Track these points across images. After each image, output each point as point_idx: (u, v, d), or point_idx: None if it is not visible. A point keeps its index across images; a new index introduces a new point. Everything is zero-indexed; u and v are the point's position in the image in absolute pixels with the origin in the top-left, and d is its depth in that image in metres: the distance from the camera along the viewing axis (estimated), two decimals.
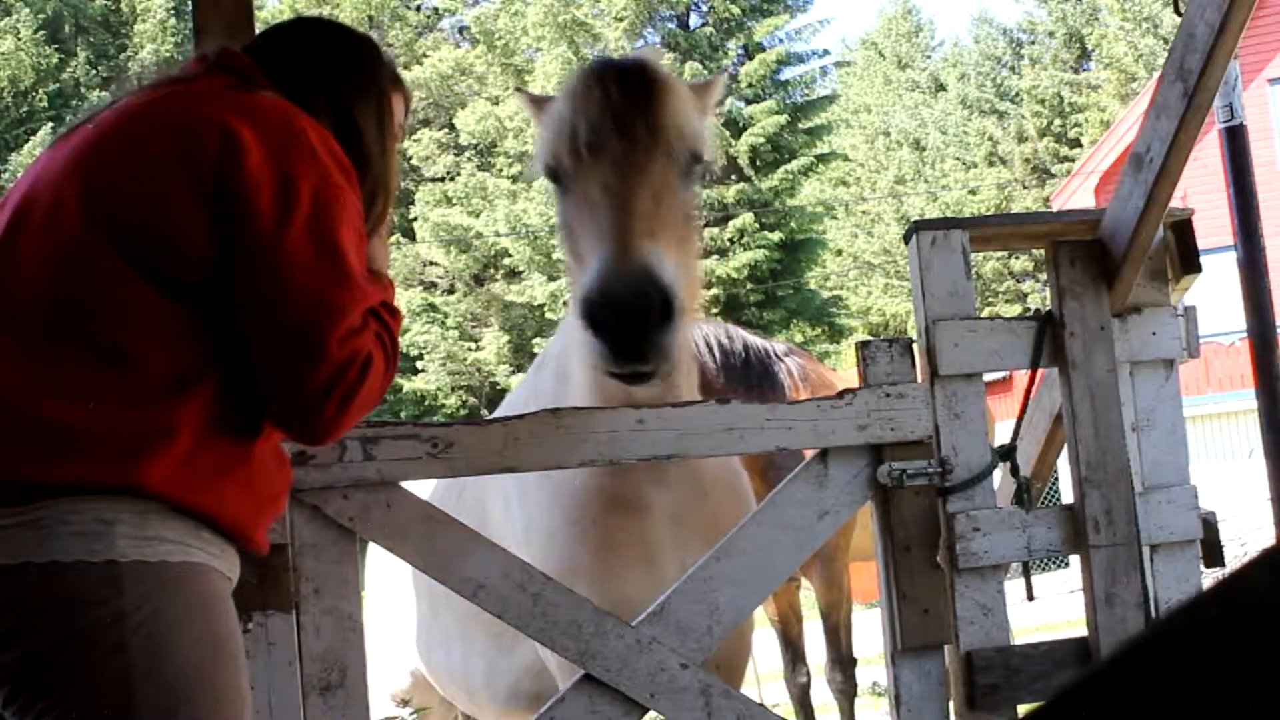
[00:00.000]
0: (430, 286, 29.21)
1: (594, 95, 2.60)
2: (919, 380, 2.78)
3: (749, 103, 28.71)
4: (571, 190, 2.61)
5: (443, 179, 29.57)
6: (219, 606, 1.86)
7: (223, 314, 1.86)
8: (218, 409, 1.86)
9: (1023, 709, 2.72)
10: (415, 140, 30.82)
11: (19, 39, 29.31)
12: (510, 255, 26.99)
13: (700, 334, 5.87)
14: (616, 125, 2.54)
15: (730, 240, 27.58)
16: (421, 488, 2.81)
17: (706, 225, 27.70)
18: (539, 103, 2.96)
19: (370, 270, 2.07)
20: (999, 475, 2.89)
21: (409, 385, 27.30)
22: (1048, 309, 2.86)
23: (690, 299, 2.59)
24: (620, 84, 2.60)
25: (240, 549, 1.97)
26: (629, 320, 2.27)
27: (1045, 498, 3.94)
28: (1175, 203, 2.84)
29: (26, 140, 27.67)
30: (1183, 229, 2.94)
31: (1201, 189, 14.85)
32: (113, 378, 1.78)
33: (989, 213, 31.63)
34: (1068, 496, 2.94)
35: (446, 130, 30.53)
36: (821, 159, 30.43)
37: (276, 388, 1.85)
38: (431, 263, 29.18)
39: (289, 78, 2.03)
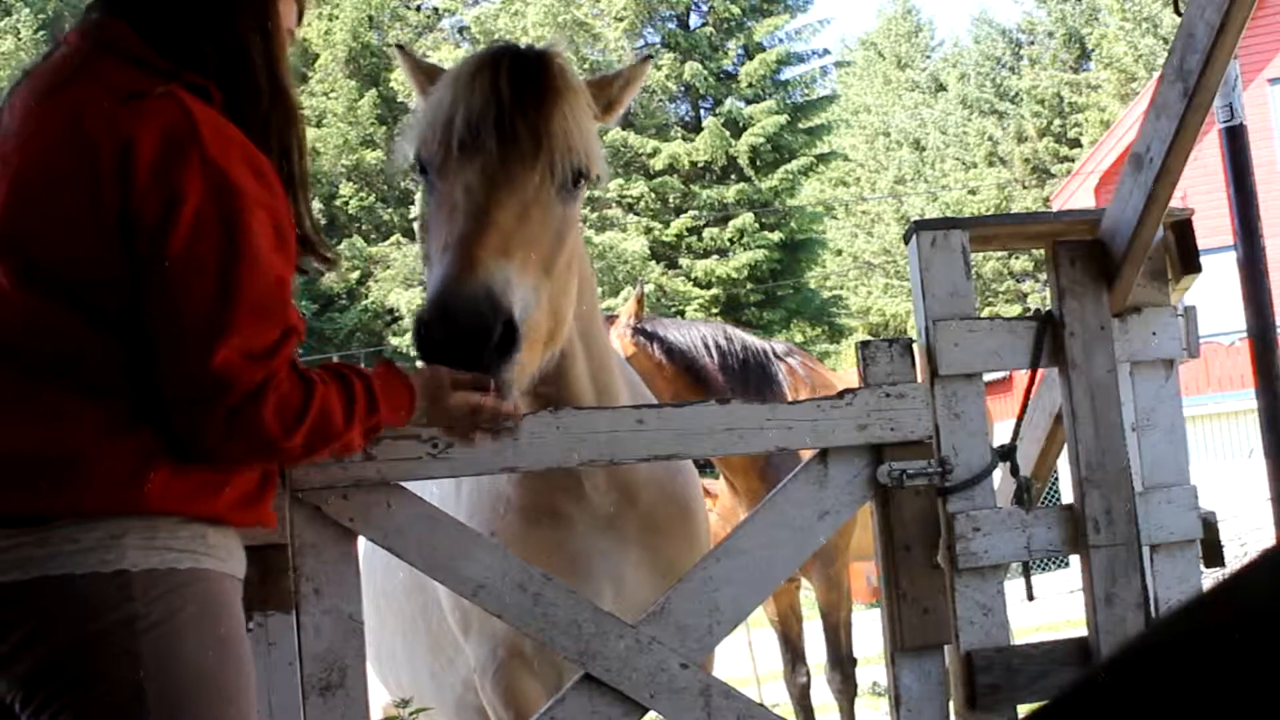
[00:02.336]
0: None
1: (479, 86, 2.35)
2: (919, 380, 2.78)
3: (749, 103, 28.72)
4: (436, 188, 2.38)
5: None
6: (226, 610, 1.91)
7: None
8: None
9: (1023, 709, 2.72)
10: None
11: (19, 39, 29.31)
12: None
13: (699, 335, 5.88)
14: (496, 124, 2.31)
15: (730, 240, 27.58)
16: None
17: (706, 225, 27.73)
18: (425, 73, 2.64)
19: (312, 246, 2.01)
20: (999, 475, 2.89)
21: None
22: (1048, 309, 2.86)
23: (549, 326, 2.38)
24: (511, 77, 2.36)
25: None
26: (462, 349, 2.08)
27: (1045, 498, 3.95)
28: (1175, 203, 2.83)
29: None
30: (1183, 229, 2.93)
31: (1201, 189, 14.84)
32: (85, 404, 1.81)
33: (989, 213, 31.63)
34: (1068, 496, 2.94)
35: None
36: (821, 159, 30.46)
37: (168, 404, 1.81)
38: None
39: (164, 35, 1.89)
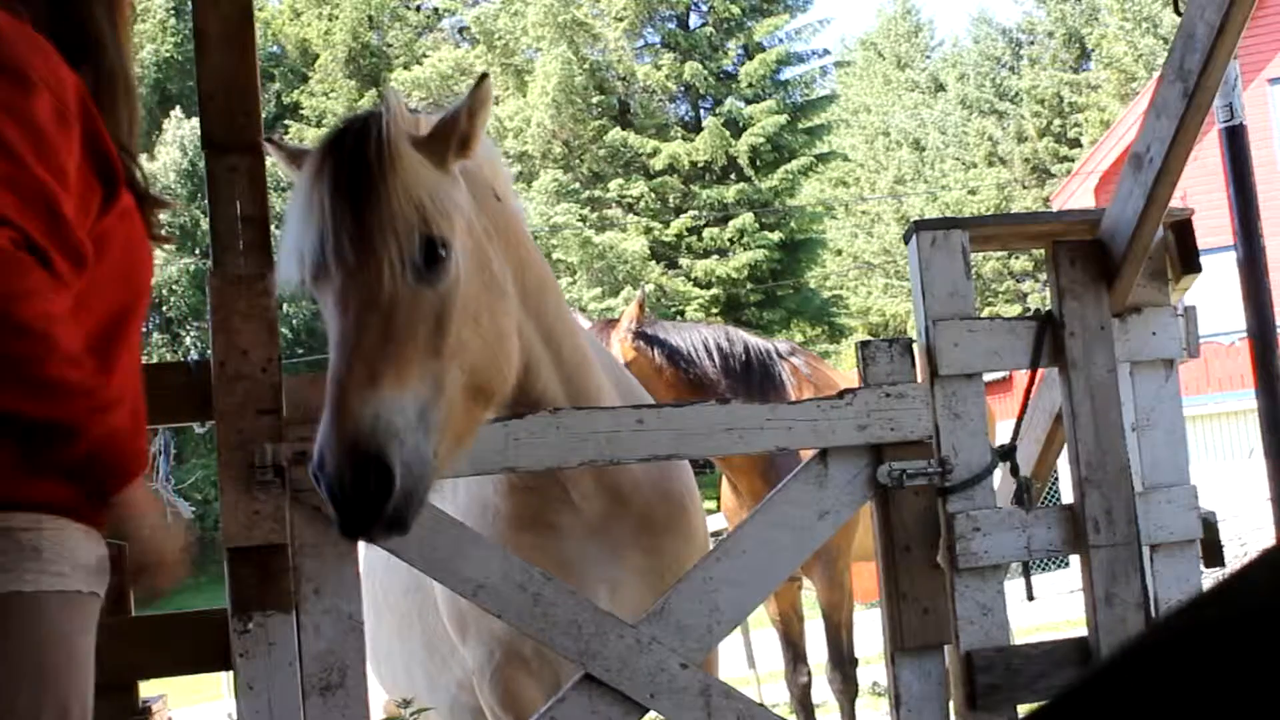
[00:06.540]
0: None
1: (314, 203, 2.27)
2: (919, 380, 2.78)
3: (749, 103, 28.74)
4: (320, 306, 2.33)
5: None
6: (48, 641, 1.69)
7: None
8: None
9: (1023, 709, 2.72)
10: None
11: None
12: None
13: (699, 338, 5.87)
14: (334, 243, 2.22)
15: (730, 240, 27.60)
16: None
17: (706, 225, 27.74)
18: (293, 159, 2.51)
19: (152, 200, 1.92)
20: (999, 475, 2.89)
21: None
22: (1048, 309, 2.87)
23: (474, 387, 2.31)
24: (336, 184, 2.26)
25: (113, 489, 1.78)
26: (346, 503, 2.06)
27: (1045, 498, 3.95)
28: (1175, 203, 2.84)
29: None
30: (1183, 229, 2.94)
31: (1201, 189, 14.84)
32: None
33: (989, 213, 31.64)
34: (1068, 496, 2.95)
35: None
36: (821, 159, 30.51)
37: None
38: None
39: None
